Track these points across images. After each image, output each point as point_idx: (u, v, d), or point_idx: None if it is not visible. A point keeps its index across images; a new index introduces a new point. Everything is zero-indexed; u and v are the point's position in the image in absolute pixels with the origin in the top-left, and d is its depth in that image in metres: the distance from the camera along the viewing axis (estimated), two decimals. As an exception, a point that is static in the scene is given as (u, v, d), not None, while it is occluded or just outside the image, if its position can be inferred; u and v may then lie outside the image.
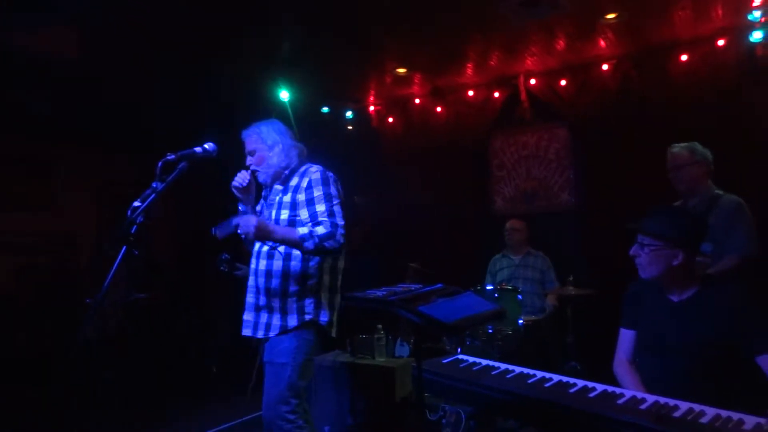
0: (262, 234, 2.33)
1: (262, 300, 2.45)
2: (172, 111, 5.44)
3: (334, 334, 2.54)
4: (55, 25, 3.77)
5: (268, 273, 2.44)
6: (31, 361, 5.08)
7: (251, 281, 2.53)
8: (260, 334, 2.45)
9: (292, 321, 2.39)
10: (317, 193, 2.41)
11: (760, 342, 1.83)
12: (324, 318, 2.46)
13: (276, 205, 2.52)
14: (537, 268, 4.56)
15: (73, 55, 4.24)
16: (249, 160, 2.57)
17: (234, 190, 2.51)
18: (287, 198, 2.48)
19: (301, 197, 2.43)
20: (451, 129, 5.69)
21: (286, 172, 2.54)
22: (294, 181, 2.50)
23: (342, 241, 2.36)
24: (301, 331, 2.41)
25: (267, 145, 2.52)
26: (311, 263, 2.43)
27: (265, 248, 2.47)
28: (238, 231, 2.32)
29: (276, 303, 2.42)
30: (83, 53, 4.24)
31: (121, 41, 4.14)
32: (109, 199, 6.70)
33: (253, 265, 2.53)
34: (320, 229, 2.33)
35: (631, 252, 2.04)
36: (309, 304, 2.42)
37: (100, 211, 6.72)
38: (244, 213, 2.52)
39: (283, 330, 2.39)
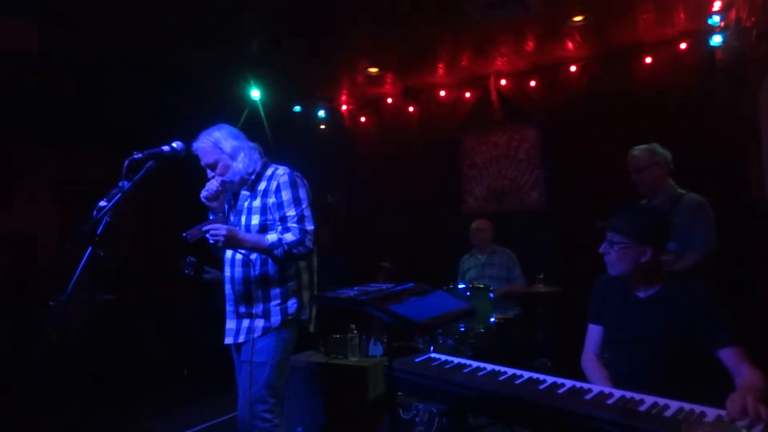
0: (233, 243, 2.30)
1: (243, 308, 2.43)
2: (137, 109, 5.33)
3: (312, 329, 2.55)
4: (13, 17, 3.65)
5: (246, 281, 2.42)
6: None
7: (228, 290, 2.49)
8: (241, 339, 2.43)
9: (276, 321, 2.39)
10: (286, 197, 2.39)
11: (721, 337, 1.89)
12: (304, 316, 2.47)
13: (245, 211, 2.48)
14: (503, 266, 4.62)
15: (32, 50, 4.11)
16: (210, 172, 2.48)
17: (204, 200, 2.46)
18: (257, 203, 2.45)
19: (271, 200, 2.41)
20: (423, 129, 5.72)
21: (253, 177, 2.48)
22: (262, 185, 2.46)
23: (311, 246, 2.36)
24: (281, 330, 2.40)
25: (227, 153, 2.44)
26: (288, 266, 2.43)
27: (239, 256, 2.44)
28: (209, 238, 2.28)
29: (258, 309, 2.41)
30: (43, 47, 4.11)
31: (83, 36, 4.03)
32: (70, 199, 6.52)
33: (228, 273, 2.49)
34: (289, 236, 2.32)
35: (601, 249, 2.09)
36: (292, 305, 2.43)
37: (61, 211, 6.53)
38: (214, 221, 2.46)
39: (266, 331, 2.39)
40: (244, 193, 2.52)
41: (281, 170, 2.46)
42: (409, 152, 5.71)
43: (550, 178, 5.13)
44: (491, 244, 4.74)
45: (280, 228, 2.36)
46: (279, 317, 2.39)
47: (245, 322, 2.43)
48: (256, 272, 2.40)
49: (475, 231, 4.74)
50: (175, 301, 6.04)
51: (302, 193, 2.43)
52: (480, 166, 5.51)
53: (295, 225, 2.34)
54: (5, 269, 5.88)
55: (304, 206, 2.40)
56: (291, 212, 2.37)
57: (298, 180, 2.46)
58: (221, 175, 2.46)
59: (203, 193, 2.46)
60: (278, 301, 2.39)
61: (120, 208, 1.96)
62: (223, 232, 2.25)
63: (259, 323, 2.39)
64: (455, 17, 4.00)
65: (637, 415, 1.56)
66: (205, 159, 2.47)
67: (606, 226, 2.07)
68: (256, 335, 2.39)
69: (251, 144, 2.53)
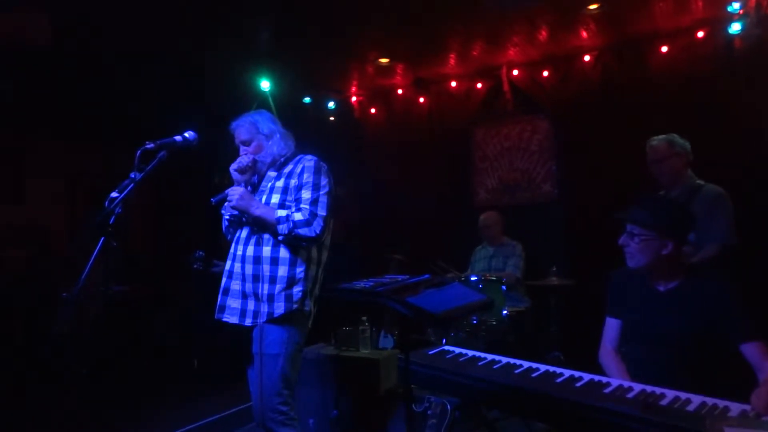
0: (244, 204, 2.36)
1: (250, 287, 2.40)
2: (147, 100, 5.32)
3: (309, 326, 2.52)
4: (26, 11, 3.65)
5: (257, 259, 2.40)
6: (3, 356, 4.95)
7: (236, 267, 2.46)
8: (248, 322, 2.40)
9: (279, 309, 2.35)
10: (307, 179, 2.41)
11: (744, 330, 1.85)
12: (307, 308, 2.44)
13: (267, 191, 2.50)
14: (507, 257, 4.59)
15: (45, 44, 4.11)
16: (244, 149, 2.54)
17: (233, 172, 2.50)
18: (280, 183, 2.47)
19: (294, 182, 2.43)
20: (434, 120, 5.67)
21: (282, 159, 2.53)
22: (288, 168, 2.50)
23: (318, 231, 2.33)
24: (290, 320, 2.38)
25: (264, 134, 2.53)
26: (301, 251, 2.41)
27: (249, 234, 2.44)
28: (227, 197, 2.38)
29: (264, 289, 2.37)
30: (55, 41, 4.11)
31: (93, 28, 4.02)
32: (81, 191, 6.54)
33: (239, 252, 2.47)
34: (298, 215, 2.32)
35: (621, 241, 2.04)
36: (297, 292, 2.39)
37: (73, 204, 6.56)
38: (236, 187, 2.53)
39: (270, 317, 2.35)
40: (270, 174, 2.55)
41: (309, 157, 2.51)
42: (420, 144, 5.67)
43: (563, 170, 5.07)
44: (501, 236, 4.70)
45: (293, 207, 2.37)
46: (282, 304, 2.36)
47: (250, 304, 2.40)
48: (267, 251, 2.39)
49: (482, 225, 4.72)
50: (186, 293, 6.06)
51: (323, 181, 2.44)
52: (491, 158, 5.46)
53: (307, 207, 2.35)
54: (18, 262, 5.93)
55: (321, 192, 2.41)
56: (307, 195, 2.38)
57: (324, 168, 2.48)
58: (254, 153, 2.52)
59: (234, 166, 2.49)
60: (283, 286, 2.37)
61: (131, 199, 1.95)
62: (239, 191, 2.36)
63: (264, 308, 2.36)
64: (467, 6, 3.95)
65: (658, 409, 1.53)
66: (241, 136, 2.54)
67: (626, 218, 2.02)
68: (261, 320, 2.37)
69: (286, 131, 2.60)
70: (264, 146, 2.52)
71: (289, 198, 2.42)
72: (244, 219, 2.49)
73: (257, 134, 2.53)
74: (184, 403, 4.51)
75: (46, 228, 6.33)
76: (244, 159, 2.50)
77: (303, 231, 2.31)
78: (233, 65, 4.93)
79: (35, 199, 6.28)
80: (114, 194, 1.95)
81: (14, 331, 5.41)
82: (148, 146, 2.05)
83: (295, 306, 2.38)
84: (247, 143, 2.53)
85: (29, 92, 5.00)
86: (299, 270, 2.41)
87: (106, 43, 4.32)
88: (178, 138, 2.19)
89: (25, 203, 6.21)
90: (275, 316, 2.35)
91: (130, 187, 1.95)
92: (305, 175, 2.42)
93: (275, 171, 2.54)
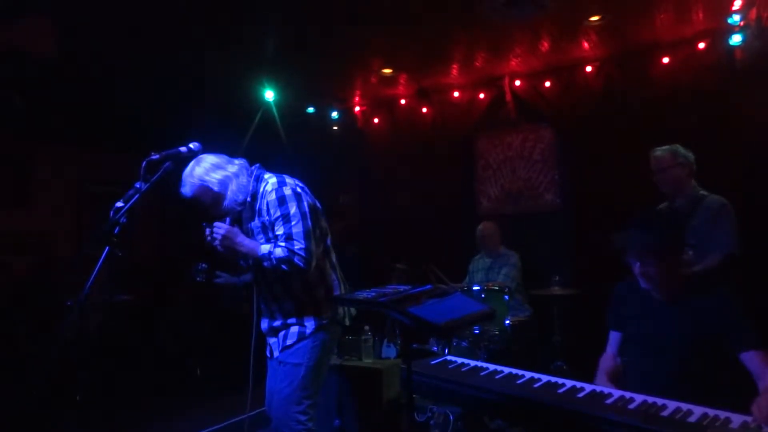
0: (228, 243, 2.28)
1: (278, 322, 2.44)
2: (153, 110, 5.37)
3: (348, 323, 2.55)
4: (32, 18, 3.69)
5: (276, 298, 2.43)
6: (8, 362, 4.96)
7: (263, 308, 2.51)
8: (281, 347, 2.43)
9: (310, 327, 2.40)
10: (275, 215, 2.30)
11: (744, 339, 1.85)
12: (340, 313, 2.49)
13: (249, 232, 2.43)
14: (503, 267, 4.58)
15: (50, 51, 4.15)
16: (207, 213, 2.42)
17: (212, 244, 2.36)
18: (256, 223, 2.41)
19: (266, 218, 2.35)
20: (437, 129, 5.69)
21: (249, 199, 2.39)
22: (257, 204, 2.39)
23: (301, 264, 2.25)
24: (318, 333, 2.40)
25: (216, 190, 2.33)
26: (312, 276, 2.38)
27: (263, 277, 2.42)
28: (207, 236, 2.29)
29: (292, 320, 2.41)
30: (61, 49, 4.16)
31: (101, 37, 4.07)
32: (88, 199, 6.58)
33: (259, 294, 2.50)
34: (278, 252, 2.26)
35: (637, 272, 2.00)
36: (326, 308, 2.43)
37: (79, 211, 6.60)
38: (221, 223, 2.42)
39: (301, 337, 2.39)
40: (246, 215, 2.45)
41: (270, 186, 2.35)
42: (423, 153, 5.69)
43: (565, 179, 5.08)
44: (498, 246, 4.70)
45: (272, 245, 2.31)
46: (313, 323, 2.39)
47: (281, 335, 2.43)
48: (282, 289, 2.40)
49: (480, 235, 4.72)
50: (189, 301, 6.08)
51: (290, 209, 2.30)
52: (494, 167, 5.48)
53: (283, 244, 2.27)
54: (23, 269, 5.96)
55: (293, 223, 2.28)
56: (279, 231, 2.30)
57: (288, 194, 2.32)
58: (218, 212, 2.40)
59: (209, 239, 2.35)
60: (311, 309, 2.40)
61: (136, 209, 1.97)
62: (223, 231, 2.27)
63: (294, 330, 2.40)
64: (469, 17, 3.98)
65: (660, 420, 1.53)
66: (205, 203, 2.36)
67: (634, 254, 1.99)
68: (290, 342, 2.40)
69: (235, 166, 2.39)
70: (223, 198, 2.35)
71: (270, 235, 2.36)
72: (242, 263, 2.52)
73: (212, 193, 2.33)
74: (185, 412, 4.51)
75: (51, 235, 6.37)
76: (215, 230, 2.33)
77: (285, 267, 2.25)
78: (237, 75, 4.97)
79: (40, 206, 6.32)
80: (119, 204, 1.97)
81: (18, 337, 5.42)
82: (153, 157, 2.08)
83: (325, 321, 2.43)
84: (207, 207, 2.37)
85: (35, 99, 5.05)
86: (318, 290, 2.43)
87: (112, 54, 4.36)
88: (183, 149, 2.22)
89: (30, 210, 6.25)
90: (306, 335, 2.40)
91: (135, 198, 1.97)
92: (272, 211, 2.31)
93: (248, 212, 2.42)
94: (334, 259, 2.55)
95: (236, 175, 2.36)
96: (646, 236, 1.96)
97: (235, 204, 2.36)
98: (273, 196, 2.31)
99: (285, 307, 2.41)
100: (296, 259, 2.24)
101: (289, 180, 2.39)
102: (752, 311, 1.93)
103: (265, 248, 2.28)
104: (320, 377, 2.45)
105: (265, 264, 2.28)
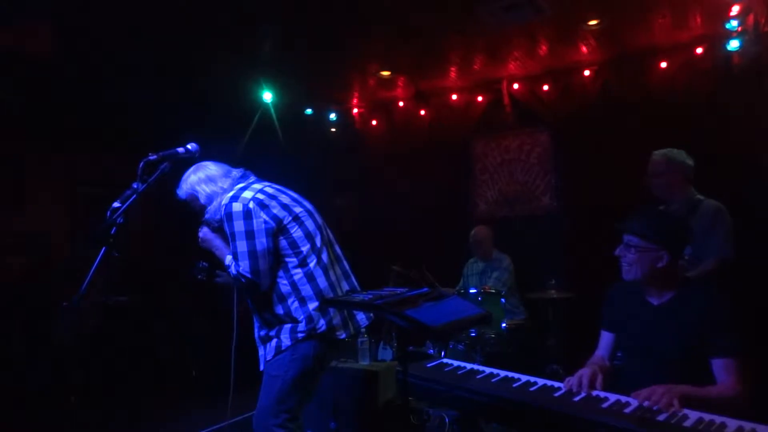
0: (206, 245, 2.46)
1: (263, 332, 2.43)
2: (149, 110, 5.35)
3: (343, 336, 2.38)
4: (27, 20, 3.68)
5: (255, 308, 2.43)
6: (3, 364, 4.94)
7: (252, 316, 2.52)
8: (264, 360, 2.43)
9: (286, 341, 2.32)
10: (228, 231, 2.30)
11: (719, 345, 1.84)
12: (321, 326, 2.31)
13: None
14: (495, 271, 4.58)
15: (45, 52, 4.14)
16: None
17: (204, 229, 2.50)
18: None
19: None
20: (434, 132, 5.70)
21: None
22: None
23: (245, 282, 2.26)
24: (297, 346, 2.30)
25: (202, 202, 2.44)
26: (279, 285, 2.32)
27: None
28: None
29: (272, 332, 2.37)
30: (56, 50, 4.14)
31: (98, 37, 4.06)
32: (82, 200, 6.55)
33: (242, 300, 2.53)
34: (233, 267, 2.31)
35: (617, 252, 2.04)
36: (302, 321, 2.31)
37: (73, 212, 6.57)
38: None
39: (278, 351, 2.33)
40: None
41: (225, 200, 2.33)
42: (420, 156, 5.70)
43: (562, 183, 5.09)
44: (491, 250, 4.70)
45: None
46: (288, 336, 2.32)
47: (265, 347, 2.42)
48: (255, 299, 2.40)
49: (473, 240, 4.71)
50: (185, 302, 6.06)
51: (236, 226, 2.26)
52: (491, 170, 5.49)
53: (233, 261, 2.30)
54: (18, 270, 5.93)
55: (237, 242, 2.25)
56: (233, 248, 2.30)
57: (235, 211, 2.27)
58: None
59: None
60: (285, 320, 2.33)
61: (133, 210, 1.96)
62: (200, 234, 2.46)
63: (273, 343, 2.37)
64: (468, 21, 3.99)
65: (655, 424, 1.53)
66: (192, 207, 2.51)
67: (624, 228, 2.02)
68: (270, 356, 2.38)
69: (228, 180, 2.43)
70: (208, 210, 2.44)
71: None
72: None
73: (201, 204, 2.45)
74: (181, 413, 4.50)
75: (47, 236, 6.34)
76: (200, 234, 2.50)
77: (241, 282, 2.28)
78: (235, 77, 4.97)
79: (36, 207, 6.29)
80: (116, 204, 1.96)
81: (13, 339, 5.40)
82: (150, 157, 2.07)
83: (300, 335, 2.33)
84: (199, 213, 2.47)
85: (30, 100, 5.04)
86: (291, 301, 2.34)
87: (107, 54, 4.35)
88: (180, 150, 2.21)
89: (26, 211, 6.22)
90: (282, 349, 2.34)
91: (132, 198, 1.96)
92: (226, 226, 2.31)
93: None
94: (320, 267, 2.38)
95: (226, 190, 2.38)
96: (636, 220, 2.00)
97: (213, 221, 2.42)
98: (223, 211, 2.31)
99: (265, 317, 2.38)
100: (242, 279, 2.26)
101: (246, 194, 2.32)
102: (745, 316, 1.92)
103: (228, 259, 2.35)
104: (303, 391, 2.34)
105: (230, 270, 2.33)
